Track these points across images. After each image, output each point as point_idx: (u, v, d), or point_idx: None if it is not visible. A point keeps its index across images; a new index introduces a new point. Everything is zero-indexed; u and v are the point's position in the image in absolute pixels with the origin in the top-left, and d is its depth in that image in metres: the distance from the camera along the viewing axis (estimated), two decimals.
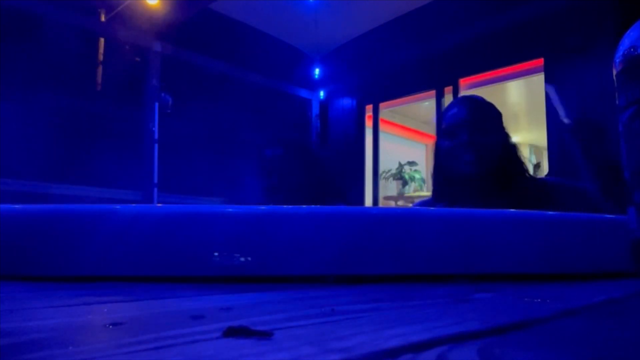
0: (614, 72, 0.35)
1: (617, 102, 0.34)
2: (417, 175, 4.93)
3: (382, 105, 4.17)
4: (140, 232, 0.49)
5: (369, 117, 4.17)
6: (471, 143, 1.05)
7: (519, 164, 1.11)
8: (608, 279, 0.50)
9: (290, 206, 0.53)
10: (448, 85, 3.54)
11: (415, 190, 4.79)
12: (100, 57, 3.14)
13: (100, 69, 3.13)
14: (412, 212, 0.58)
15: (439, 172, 1.13)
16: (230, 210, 0.52)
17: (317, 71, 4.35)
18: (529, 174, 1.13)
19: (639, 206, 0.32)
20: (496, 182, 1.04)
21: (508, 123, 1.15)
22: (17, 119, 2.54)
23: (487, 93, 3.37)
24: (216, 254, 0.48)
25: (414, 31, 3.56)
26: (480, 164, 1.04)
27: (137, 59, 3.26)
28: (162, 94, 3.29)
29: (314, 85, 4.39)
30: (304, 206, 0.52)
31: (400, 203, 4.63)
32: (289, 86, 4.24)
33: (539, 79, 3.05)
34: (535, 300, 0.36)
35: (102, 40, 3.16)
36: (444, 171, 1.11)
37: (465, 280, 0.47)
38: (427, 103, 4.10)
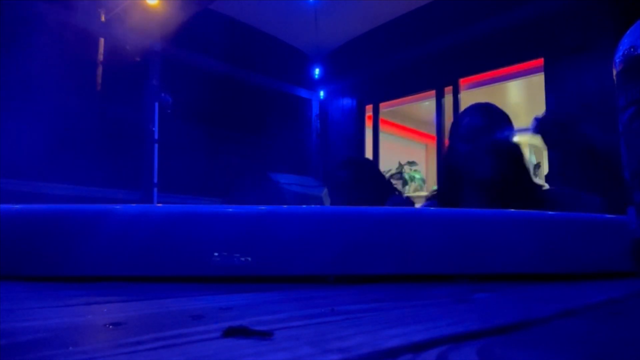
0: (614, 72, 0.35)
1: (617, 102, 0.34)
2: (417, 175, 4.92)
3: (382, 105, 4.17)
4: (140, 232, 0.49)
5: (369, 117, 4.17)
6: (485, 151, 1.06)
7: (526, 172, 1.12)
8: (608, 279, 0.50)
9: (289, 206, 0.53)
10: (448, 85, 3.53)
11: (415, 190, 4.79)
12: (100, 57, 3.14)
13: (100, 69, 3.13)
14: (412, 212, 0.58)
15: (448, 176, 1.14)
16: (230, 210, 0.52)
17: (317, 71, 4.35)
18: (534, 183, 1.14)
19: (639, 206, 0.32)
20: (505, 190, 1.05)
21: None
22: (17, 118, 2.54)
23: (487, 93, 3.38)
24: (216, 254, 0.48)
25: (414, 31, 3.56)
26: (491, 172, 1.05)
27: (137, 59, 3.26)
28: (162, 94, 3.29)
29: (314, 85, 4.38)
30: (304, 206, 0.52)
31: None
32: (289, 86, 4.24)
33: (539, 79, 3.05)
34: (536, 301, 0.36)
35: (102, 40, 3.16)
36: (455, 175, 1.12)
37: (465, 280, 0.47)
38: (427, 103, 4.09)
